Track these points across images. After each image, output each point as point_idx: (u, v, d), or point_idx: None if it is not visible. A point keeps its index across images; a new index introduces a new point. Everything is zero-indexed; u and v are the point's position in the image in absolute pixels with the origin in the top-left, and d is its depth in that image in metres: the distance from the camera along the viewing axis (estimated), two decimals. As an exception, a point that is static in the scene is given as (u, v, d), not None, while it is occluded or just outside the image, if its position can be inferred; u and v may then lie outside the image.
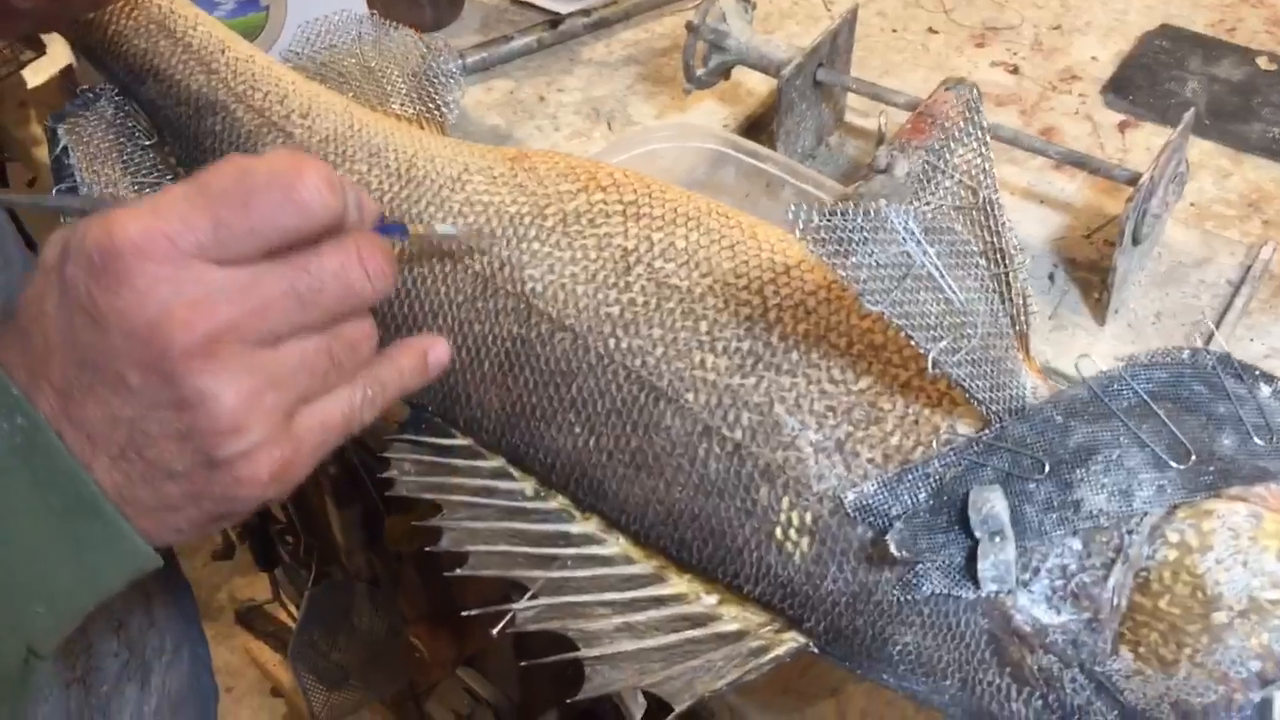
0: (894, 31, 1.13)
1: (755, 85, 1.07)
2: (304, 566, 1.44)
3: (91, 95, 0.74)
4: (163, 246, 0.42)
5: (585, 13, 1.13)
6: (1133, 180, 0.85)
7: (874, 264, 0.53)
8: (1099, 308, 0.88)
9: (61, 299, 0.43)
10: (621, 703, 0.69)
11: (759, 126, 1.05)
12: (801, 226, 0.52)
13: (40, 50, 0.96)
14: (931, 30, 1.13)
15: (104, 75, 0.76)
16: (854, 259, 0.53)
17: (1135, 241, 0.85)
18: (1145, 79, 1.05)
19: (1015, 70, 1.08)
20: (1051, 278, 0.91)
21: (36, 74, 1.06)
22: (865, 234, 0.54)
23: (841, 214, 0.54)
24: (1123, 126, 1.02)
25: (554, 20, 1.13)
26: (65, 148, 0.69)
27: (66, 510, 0.44)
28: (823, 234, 0.52)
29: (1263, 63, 1.05)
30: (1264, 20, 1.09)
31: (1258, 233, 0.93)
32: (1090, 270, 0.91)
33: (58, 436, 0.43)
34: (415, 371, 0.53)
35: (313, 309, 0.45)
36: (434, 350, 0.53)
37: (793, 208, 0.53)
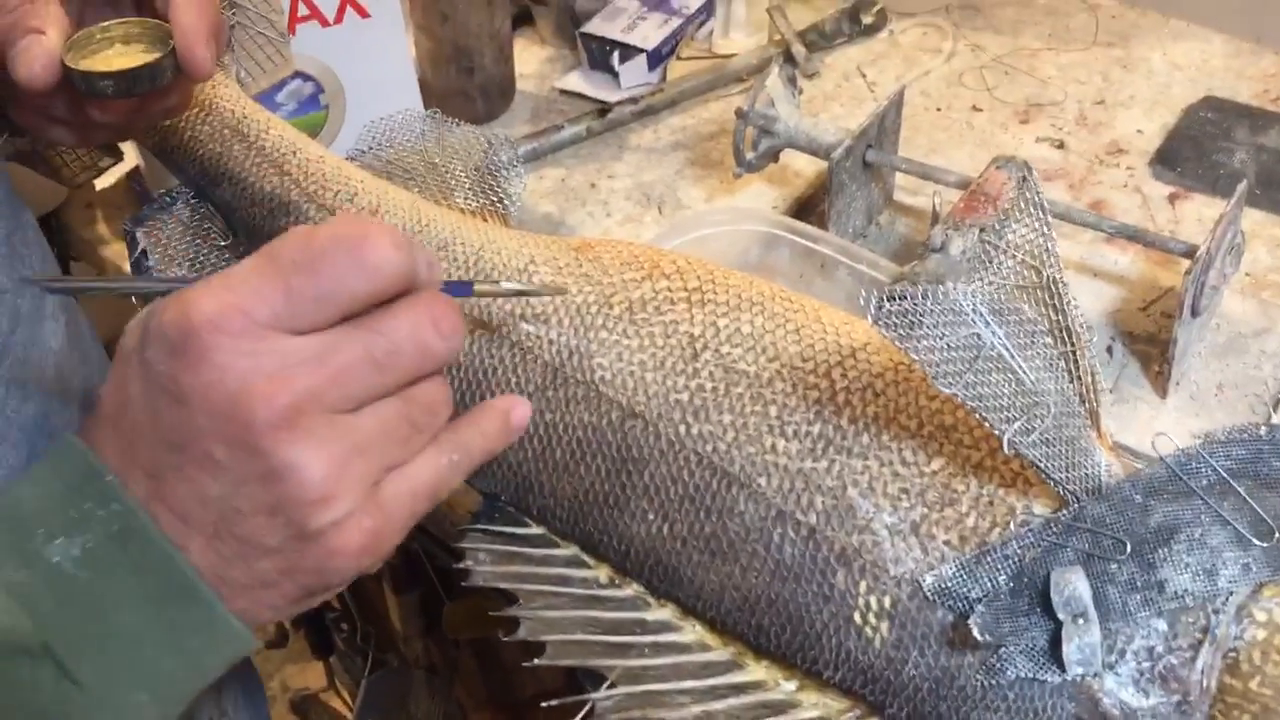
0: (938, 110, 1.15)
1: (802, 167, 1.09)
2: (360, 654, 1.44)
3: (168, 199, 0.76)
4: (238, 321, 0.43)
5: (633, 100, 1.16)
6: (1189, 253, 0.85)
7: (946, 346, 0.53)
8: (1160, 380, 0.87)
9: (144, 383, 0.44)
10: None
11: (808, 208, 1.06)
12: (874, 312, 0.53)
13: (118, 156, 0.99)
14: (975, 108, 1.14)
15: (180, 178, 0.78)
16: (926, 342, 0.53)
17: (1194, 314, 0.85)
18: (1192, 150, 1.05)
19: (1061, 145, 1.09)
20: (1110, 351, 0.91)
21: (104, 177, 1.09)
22: (936, 316, 0.54)
23: (911, 297, 0.54)
24: (1173, 198, 1.03)
25: (602, 109, 1.15)
26: (144, 250, 0.71)
27: (164, 597, 0.44)
28: (895, 318, 0.53)
29: (1310, 131, 1.05)
30: (1309, 89, 1.10)
31: (1316, 301, 0.92)
32: (1149, 343, 0.91)
33: (152, 520, 0.44)
34: (498, 433, 0.52)
35: (389, 372, 0.46)
36: (515, 411, 0.53)
37: (864, 294, 0.53)
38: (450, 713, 1.33)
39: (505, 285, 0.60)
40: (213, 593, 0.45)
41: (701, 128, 1.16)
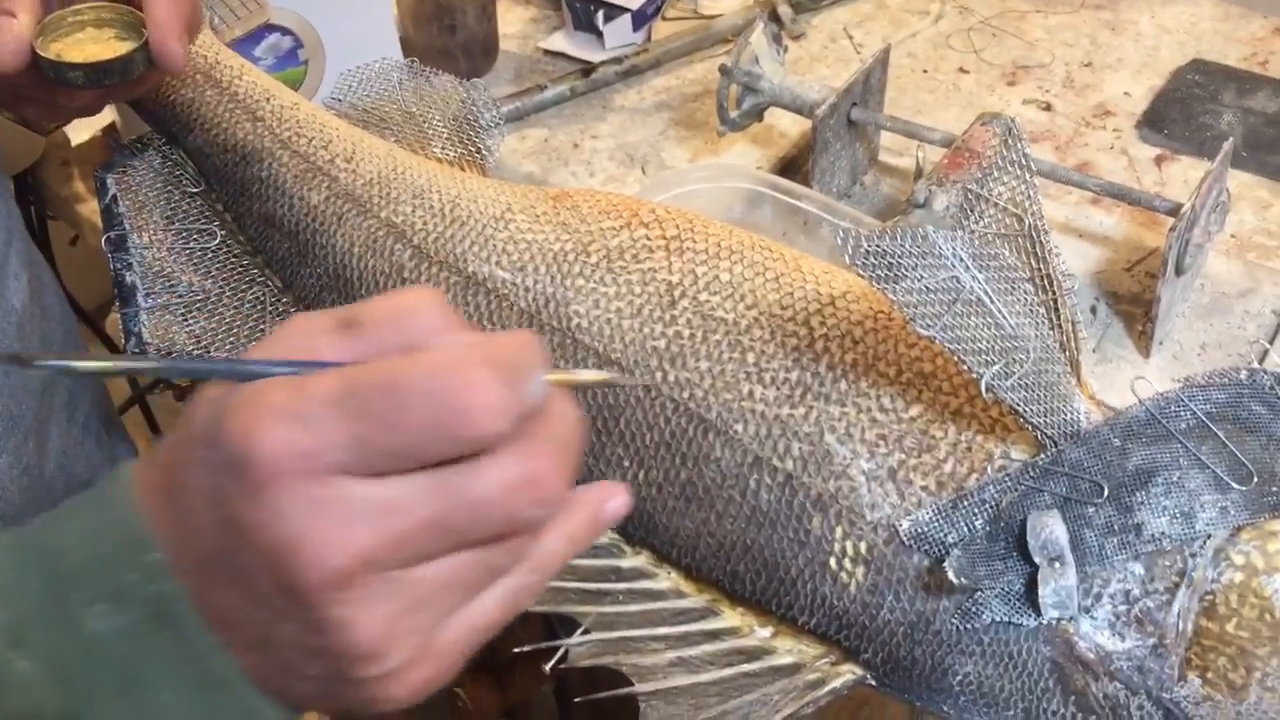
0: (925, 72, 1.14)
1: (787, 127, 1.08)
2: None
3: (139, 145, 0.75)
4: (300, 464, 0.38)
5: (617, 61, 1.14)
6: (1173, 211, 0.85)
7: (924, 289, 0.53)
8: (1143, 340, 0.87)
9: (199, 479, 0.40)
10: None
11: (792, 167, 1.05)
12: (851, 252, 0.52)
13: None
14: (962, 70, 1.13)
15: (151, 125, 0.77)
16: (904, 284, 0.52)
17: (1178, 272, 0.84)
18: (1179, 113, 1.05)
19: (1048, 107, 1.08)
20: (1094, 311, 0.90)
21: (80, 131, 1.07)
22: (915, 259, 0.54)
23: (890, 239, 0.54)
24: (1159, 160, 1.02)
25: (586, 69, 1.14)
26: (115, 196, 0.70)
27: (203, 683, 0.42)
28: (872, 259, 0.52)
29: (1298, 94, 1.05)
30: (1297, 52, 1.09)
31: (1300, 262, 0.92)
32: (1133, 303, 0.90)
33: (196, 611, 0.41)
34: (587, 535, 0.44)
35: (467, 537, 0.40)
36: (612, 502, 0.44)
37: (841, 233, 0.53)
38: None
39: (581, 375, 0.53)
40: (251, 689, 0.42)
41: (686, 88, 1.15)
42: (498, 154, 0.75)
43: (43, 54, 0.64)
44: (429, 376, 0.38)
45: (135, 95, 0.74)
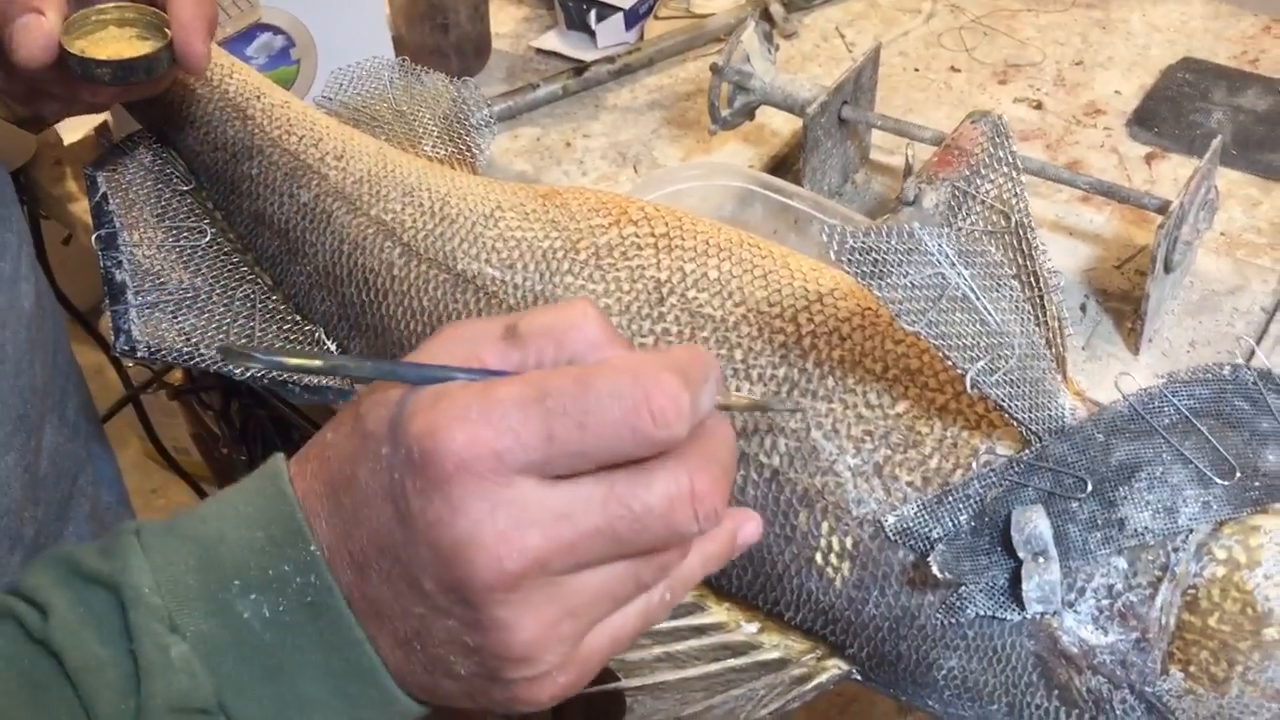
0: (916, 71, 1.14)
1: (779, 126, 1.08)
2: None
3: (130, 143, 0.75)
4: (488, 463, 0.39)
5: (609, 60, 1.15)
6: (1162, 208, 0.85)
7: (909, 284, 0.53)
8: (1133, 337, 0.87)
9: (374, 476, 0.41)
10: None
11: (784, 166, 1.05)
12: (836, 248, 0.52)
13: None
14: (954, 69, 1.14)
15: (142, 122, 0.77)
16: (889, 280, 0.53)
17: (1167, 269, 0.84)
18: (1170, 111, 1.05)
19: (1039, 106, 1.09)
20: (1084, 308, 0.91)
21: (72, 131, 1.07)
22: (900, 255, 0.54)
23: (876, 235, 0.54)
24: (1149, 158, 1.02)
25: (578, 68, 1.14)
26: (105, 194, 0.70)
27: (346, 674, 0.43)
28: (857, 255, 0.52)
29: (1287, 92, 1.05)
30: (1287, 51, 1.10)
31: (1290, 260, 0.92)
32: (1122, 300, 0.90)
33: (347, 603, 0.42)
34: (722, 559, 0.46)
35: (628, 546, 0.41)
36: (745, 529, 0.46)
37: (826, 230, 0.53)
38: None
39: (738, 397, 0.53)
40: (394, 683, 0.43)
41: (679, 87, 1.15)
42: (488, 152, 0.75)
43: (70, 50, 0.65)
44: (619, 377, 0.39)
45: (154, 93, 0.74)
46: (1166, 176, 1.00)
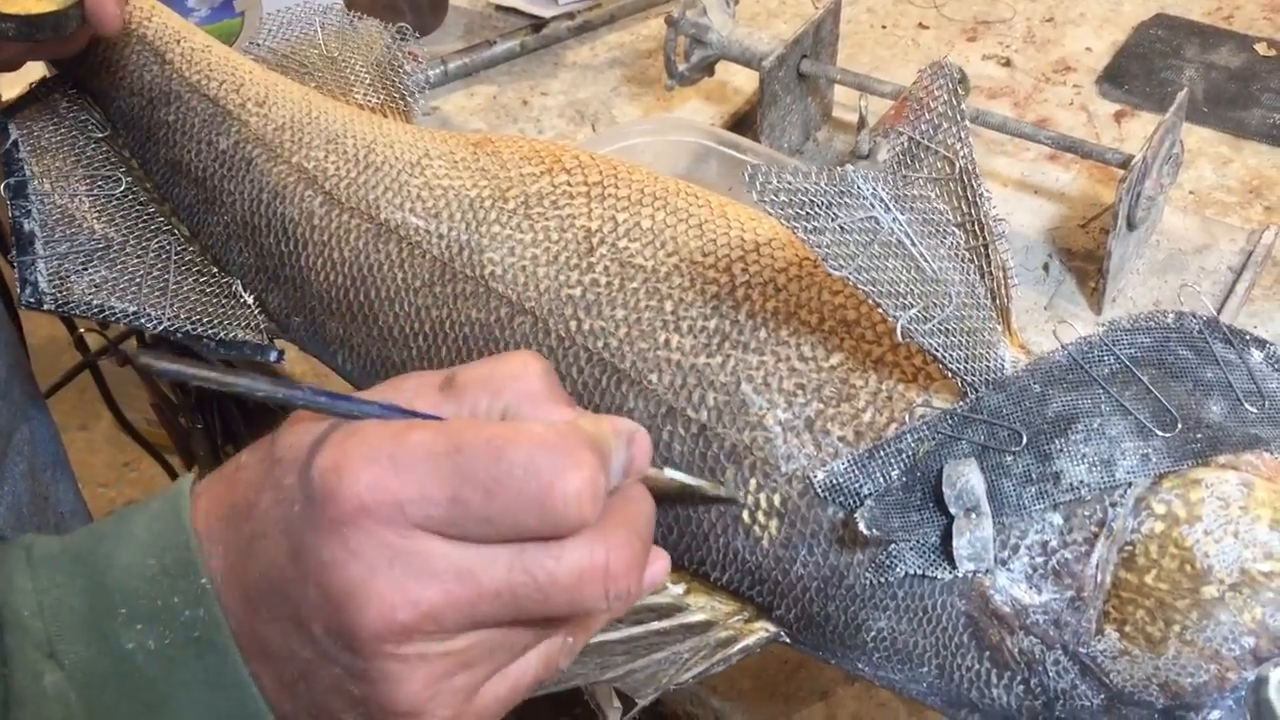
0: (883, 28, 1.11)
1: (741, 84, 1.05)
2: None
3: (43, 89, 0.72)
4: (388, 511, 0.37)
5: (569, 16, 1.12)
6: (1126, 163, 0.82)
7: (838, 227, 0.51)
8: (1096, 297, 0.85)
9: (274, 505, 0.39)
10: (597, 706, 0.66)
11: (745, 124, 1.03)
12: (759, 189, 0.50)
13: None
14: (922, 25, 1.11)
15: (56, 67, 0.75)
16: (816, 222, 0.50)
17: (1130, 226, 0.82)
18: (1141, 68, 1.02)
19: (1008, 63, 1.06)
20: (1046, 268, 0.88)
21: (11, 86, 1.04)
22: (829, 198, 0.52)
23: (803, 177, 0.51)
24: (1119, 116, 1.00)
25: (537, 24, 1.11)
26: (15, 141, 0.67)
27: (230, 715, 0.41)
28: (782, 196, 0.50)
29: (1261, 49, 1.02)
30: (1262, 6, 1.07)
31: (1259, 219, 0.90)
32: (1086, 260, 0.88)
33: (235, 641, 0.40)
34: (628, 600, 0.43)
35: (528, 614, 0.39)
36: (654, 566, 0.43)
37: (749, 170, 0.50)
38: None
39: (668, 473, 0.50)
40: None
41: (639, 45, 1.13)
42: (423, 100, 0.72)
43: None
44: (534, 450, 0.38)
45: (66, 54, 0.72)
46: (1136, 135, 0.97)
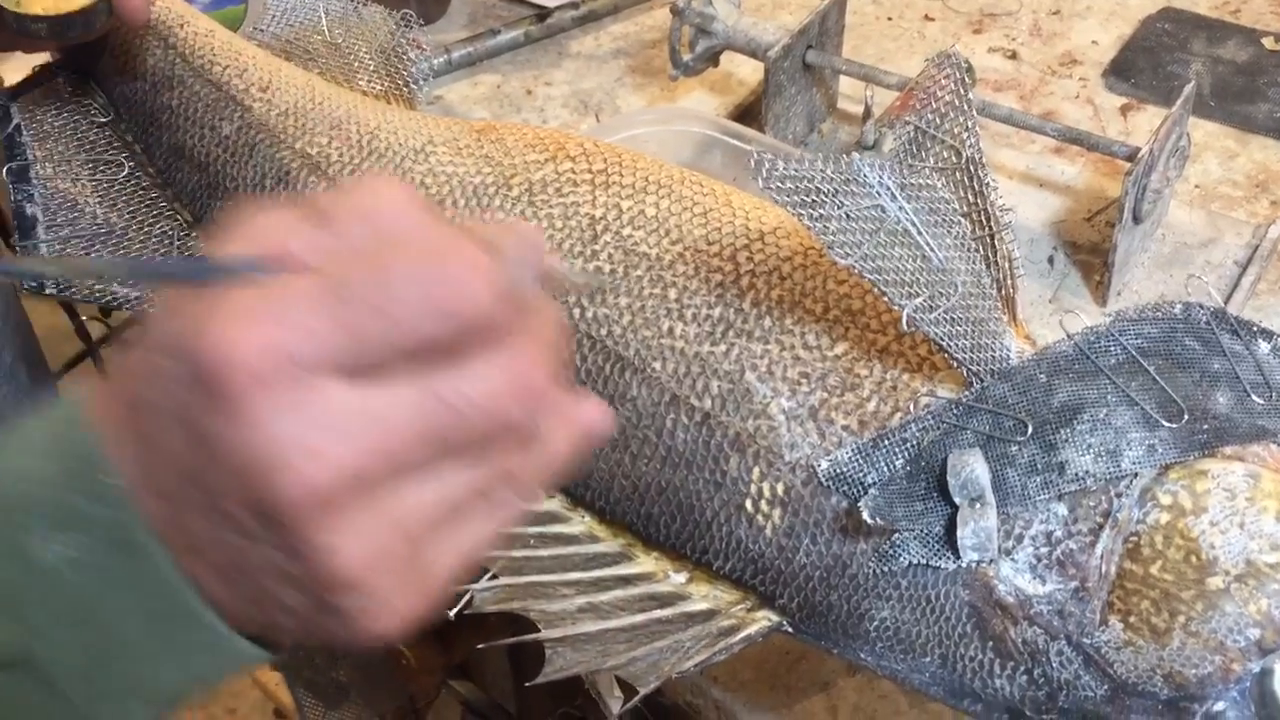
0: (889, 19, 1.11)
1: (746, 75, 1.05)
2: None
3: (46, 73, 0.72)
4: (283, 370, 0.34)
5: (573, 5, 1.11)
6: (1132, 156, 0.82)
7: (844, 216, 0.50)
8: (1100, 290, 0.84)
9: (164, 396, 0.36)
10: (598, 695, 0.66)
11: (750, 116, 1.02)
12: (765, 176, 0.49)
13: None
14: (927, 18, 1.10)
15: (60, 52, 0.74)
16: (822, 210, 0.50)
17: (1136, 219, 0.82)
18: (1147, 61, 1.02)
19: (1014, 55, 1.05)
20: (1051, 261, 0.88)
21: (13, 71, 1.04)
22: (835, 185, 0.51)
23: (809, 165, 0.51)
24: (1125, 110, 0.99)
25: (541, 14, 1.11)
26: (18, 125, 0.67)
27: (167, 616, 0.39)
28: (789, 184, 0.50)
29: (1269, 43, 1.02)
30: (1269, 1, 1.06)
31: (1265, 213, 0.89)
32: (1091, 253, 0.88)
33: (158, 542, 0.38)
34: (570, 452, 0.41)
35: (454, 446, 0.37)
36: (588, 413, 0.41)
37: (755, 158, 0.50)
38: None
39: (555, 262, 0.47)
40: (223, 623, 0.39)
41: (644, 35, 1.12)
42: (427, 88, 0.72)
43: (5, 5, 0.63)
44: (420, 257, 0.35)
45: (91, 40, 0.72)
46: (1142, 128, 0.97)
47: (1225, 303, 0.83)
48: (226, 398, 0.35)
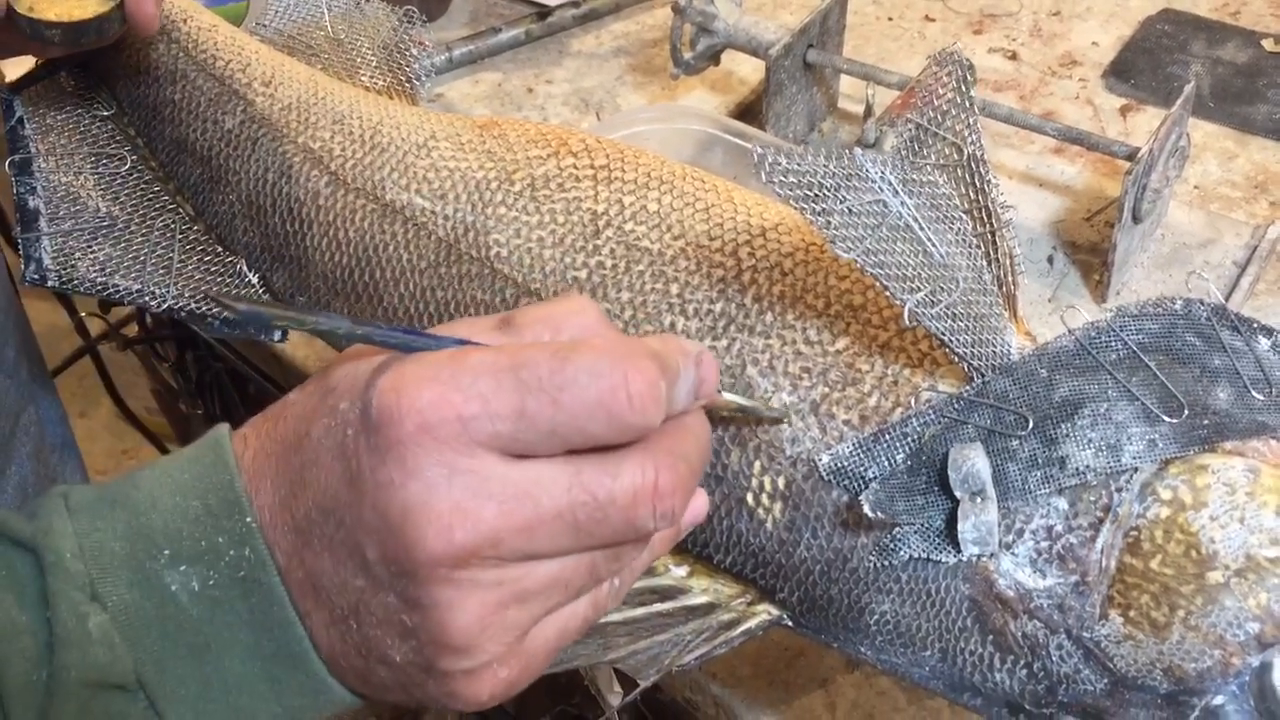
0: (890, 20, 1.11)
1: (747, 74, 1.05)
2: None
3: (49, 67, 0.72)
4: (451, 428, 0.36)
5: (574, 4, 1.12)
6: (1132, 156, 0.82)
7: (846, 210, 0.50)
8: (1100, 289, 0.85)
9: (328, 433, 0.38)
10: (597, 691, 0.66)
11: (750, 115, 1.02)
12: (768, 169, 0.49)
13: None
14: (928, 18, 1.11)
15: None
16: (824, 204, 0.50)
17: (1136, 219, 0.82)
18: (1147, 63, 1.02)
19: (1014, 56, 1.06)
20: (1051, 260, 0.88)
21: (17, 66, 1.04)
22: (837, 180, 0.51)
23: (812, 159, 0.51)
24: (1124, 110, 0.99)
25: (542, 12, 1.11)
26: (21, 118, 0.67)
27: (276, 656, 0.40)
28: (791, 178, 0.50)
29: (1268, 45, 1.02)
30: (1269, 2, 1.07)
31: (1264, 214, 0.90)
32: (1091, 253, 0.88)
33: (281, 578, 0.39)
34: (670, 541, 0.45)
35: (585, 536, 0.39)
36: (694, 507, 0.44)
37: (758, 152, 0.50)
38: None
39: (727, 396, 0.50)
40: (325, 667, 0.40)
41: (645, 34, 1.12)
42: (429, 84, 0.72)
43: (19, 11, 0.64)
44: (599, 357, 0.37)
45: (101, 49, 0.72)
46: (1142, 129, 0.97)
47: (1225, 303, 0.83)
48: (392, 440, 0.36)
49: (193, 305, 0.61)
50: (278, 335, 0.66)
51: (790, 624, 0.54)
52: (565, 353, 0.38)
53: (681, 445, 0.40)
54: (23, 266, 0.61)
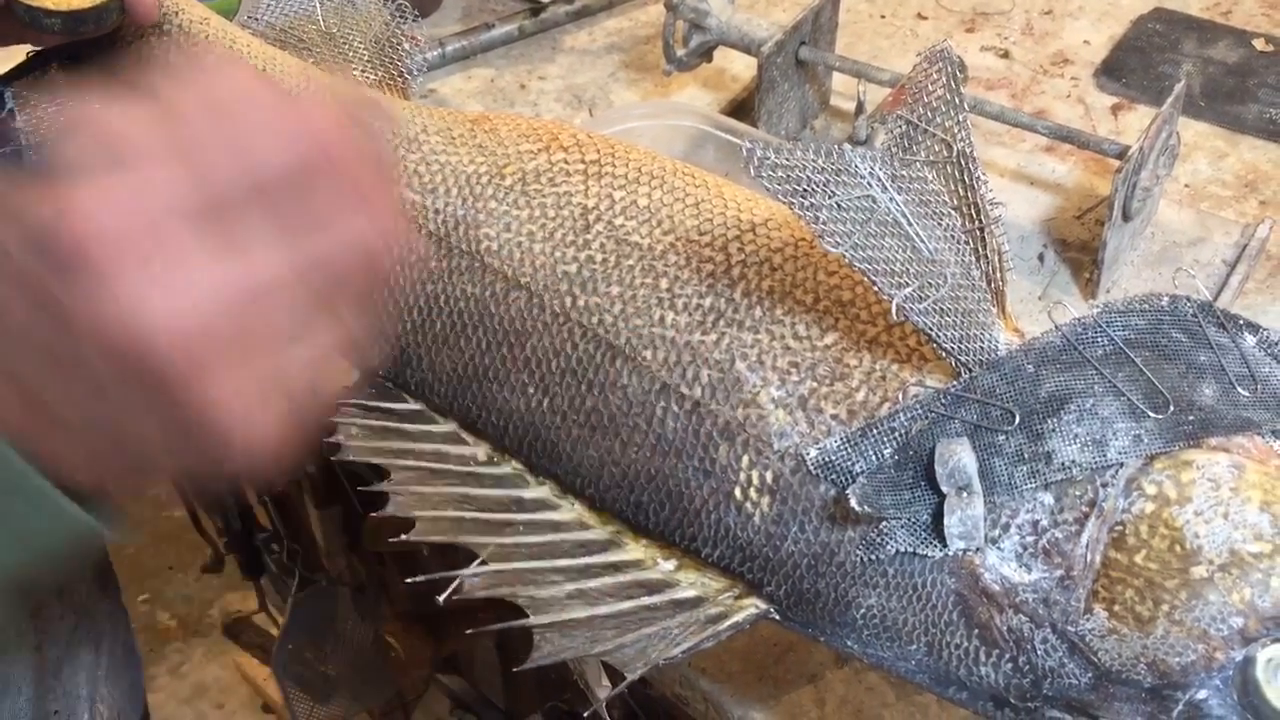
0: (882, 18, 1.11)
1: (740, 71, 1.05)
2: (288, 573, 1.41)
3: (40, 59, 0.72)
4: (133, 220, 0.33)
5: (568, 0, 1.12)
6: (1122, 154, 0.82)
7: (835, 205, 0.51)
8: (1090, 287, 0.85)
9: (18, 291, 0.35)
10: (585, 685, 0.66)
11: (743, 112, 1.02)
12: (756, 164, 0.50)
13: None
14: (920, 16, 1.11)
15: (54, 39, 0.74)
16: (813, 199, 0.50)
17: (1126, 217, 0.82)
18: (1139, 61, 1.02)
19: (1006, 55, 1.06)
20: (1041, 258, 0.88)
21: (8, 58, 1.04)
22: (826, 175, 0.52)
23: (800, 154, 0.51)
24: (1116, 109, 1.00)
25: (535, 8, 1.11)
26: (11, 111, 0.67)
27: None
28: (780, 172, 0.50)
29: (1259, 44, 1.02)
30: (1260, 2, 1.07)
31: (1254, 213, 0.90)
32: (1081, 251, 0.88)
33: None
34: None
35: (316, 284, 0.37)
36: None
37: (746, 147, 0.50)
38: (378, 631, 1.31)
39: None
40: (55, 489, 0.37)
41: (638, 30, 1.12)
42: (421, 78, 0.72)
43: (20, 0, 0.64)
44: (267, 103, 0.36)
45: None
46: (1133, 128, 0.97)
47: (1214, 301, 0.83)
48: (82, 268, 0.33)
49: None
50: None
51: (777, 617, 0.54)
52: (227, 110, 0.36)
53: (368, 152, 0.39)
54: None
